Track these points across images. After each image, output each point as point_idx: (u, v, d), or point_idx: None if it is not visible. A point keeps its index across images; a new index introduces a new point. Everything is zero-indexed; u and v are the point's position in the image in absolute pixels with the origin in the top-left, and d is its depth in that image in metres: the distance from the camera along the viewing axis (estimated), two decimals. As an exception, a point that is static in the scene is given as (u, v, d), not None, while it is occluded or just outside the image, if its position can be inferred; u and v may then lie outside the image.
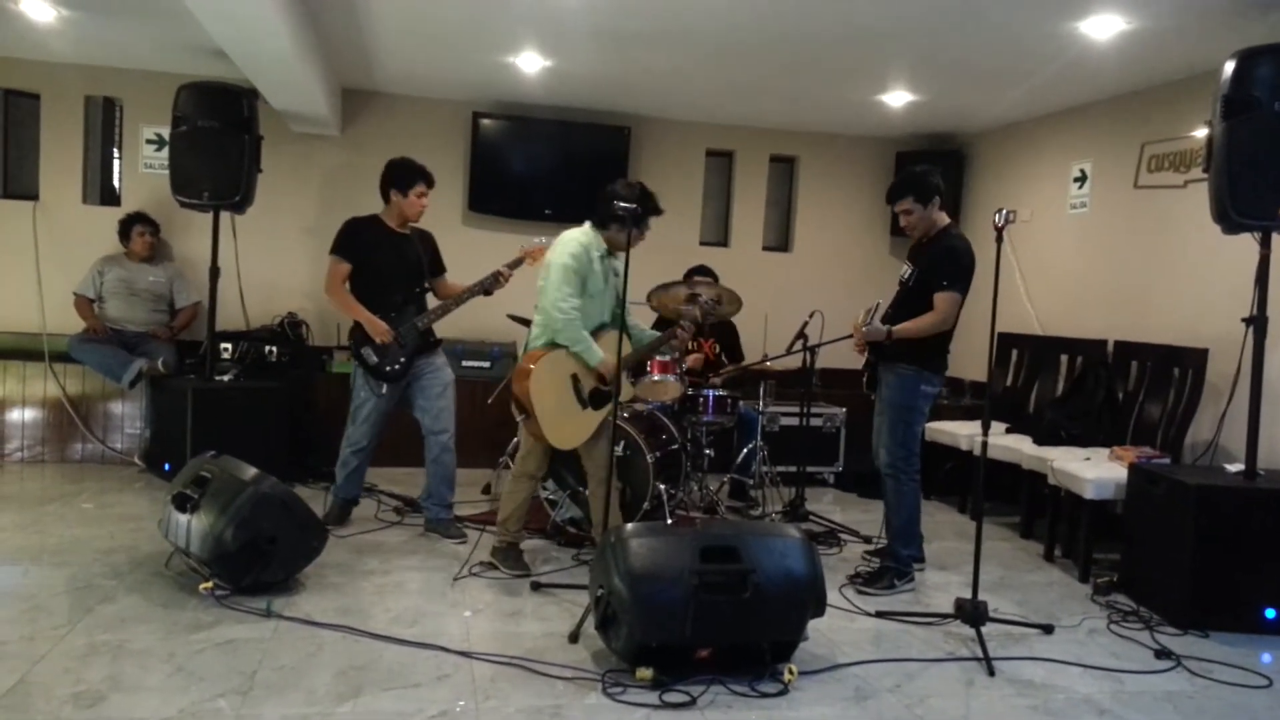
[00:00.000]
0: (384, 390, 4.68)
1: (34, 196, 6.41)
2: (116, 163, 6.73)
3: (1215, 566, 3.86)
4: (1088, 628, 3.88)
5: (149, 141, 6.50)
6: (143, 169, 6.52)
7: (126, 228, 6.18)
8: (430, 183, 4.78)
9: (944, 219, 4.30)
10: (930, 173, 4.31)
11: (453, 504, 4.87)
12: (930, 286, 4.16)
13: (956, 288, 4.12)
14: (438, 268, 4.99)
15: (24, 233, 6.34)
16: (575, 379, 4.14)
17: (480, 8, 4.81)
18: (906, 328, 4.17)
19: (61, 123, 6.42)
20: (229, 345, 5.93)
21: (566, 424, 4.13)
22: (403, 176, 4.72)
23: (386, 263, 4.71)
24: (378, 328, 4.61)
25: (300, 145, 6.58)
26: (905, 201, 4.25)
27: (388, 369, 4.65)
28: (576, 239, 4.12)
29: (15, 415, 6.00)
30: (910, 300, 4.26)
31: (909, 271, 4.36)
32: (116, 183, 6.72)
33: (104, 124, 6.68)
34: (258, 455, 4.13)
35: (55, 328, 6.16)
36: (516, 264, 4.72)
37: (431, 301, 4.88)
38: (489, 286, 4.72)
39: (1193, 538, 3.86)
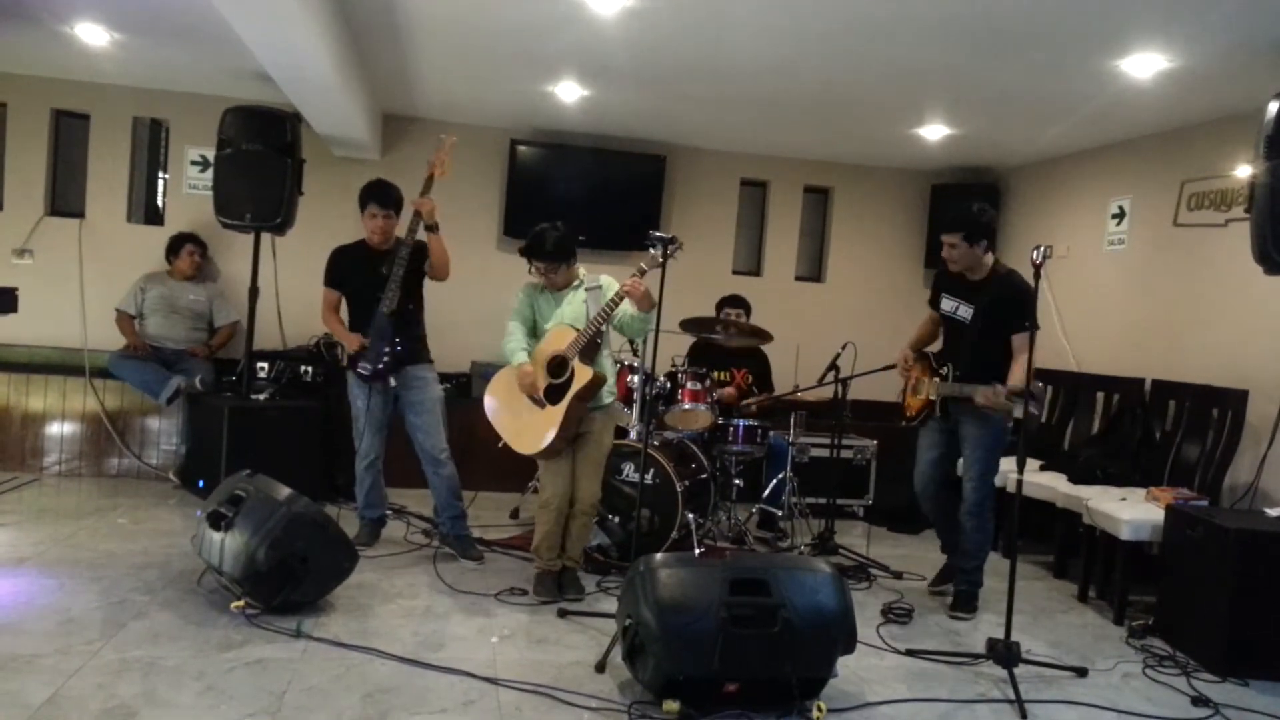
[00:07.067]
0: (378, 388, 4.68)
1: (80, 214, 6.55)
2: (161, 183, 6.87)
3: (1255, 613, 3.78)
4: (1122, 671, 3.81)
5: (194, 163, 6.63)
6: (187, 189, 6.65)
7: (177, 245, 6.31)
8: (381, 203, 4.66)
9: (991, 259, 4.30)
10: (985, 213, 4.30)
11: (465, 513, 4.81)
12: (1007, 327, 4.14)
13: (1035, 326, 3.98)
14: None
15: (69, 250, 6.47)
16: None
17: (523, 40, 4.88)
18: (1017, 383, 3.92)
19: (109, 143, 6.57)
20: (265, 364, 5.99)
21: (524, 429, 4.24)
22: (360, 197, 4.74)
23: (362, 281, 4.71)
24: (349, 339, 4.71)
25: (341, 168, 6.67)
26: (954, 236, 4.26)
27: (373, 368, 4.66)
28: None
29: (54, 429, 6.10)
30: (980, 342, 4.24)
31: (963, 309, 4.32)
32: (161, 202, 6.86)
33: (150, 145, 6.84)
34: (291, 474, 4.18)
35: (96, 343, 6.27)
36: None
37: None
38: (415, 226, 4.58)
39: (1231, 582, 3.79)
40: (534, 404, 4.21)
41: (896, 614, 4.28)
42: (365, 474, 4.85)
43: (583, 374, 4.12)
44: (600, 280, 4.27)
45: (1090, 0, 3.83)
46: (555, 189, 6.95)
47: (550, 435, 4.15)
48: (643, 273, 3.93)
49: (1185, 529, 4.12)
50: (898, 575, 4.93)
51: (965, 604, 4.42)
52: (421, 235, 4.61)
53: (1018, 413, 3.91)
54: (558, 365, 4.17)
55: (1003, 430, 4.31)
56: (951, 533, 4.58)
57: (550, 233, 4.23)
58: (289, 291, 6.11)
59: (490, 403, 4.39)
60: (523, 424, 4.24)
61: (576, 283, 4.32)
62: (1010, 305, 4.14)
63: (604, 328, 4.19)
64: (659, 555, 3.29)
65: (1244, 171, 4.88)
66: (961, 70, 4.86)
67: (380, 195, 4.70)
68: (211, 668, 3.19)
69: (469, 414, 5.11)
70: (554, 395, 4.16)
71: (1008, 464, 5.47)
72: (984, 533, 4.40)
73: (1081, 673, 3.72)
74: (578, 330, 4.16)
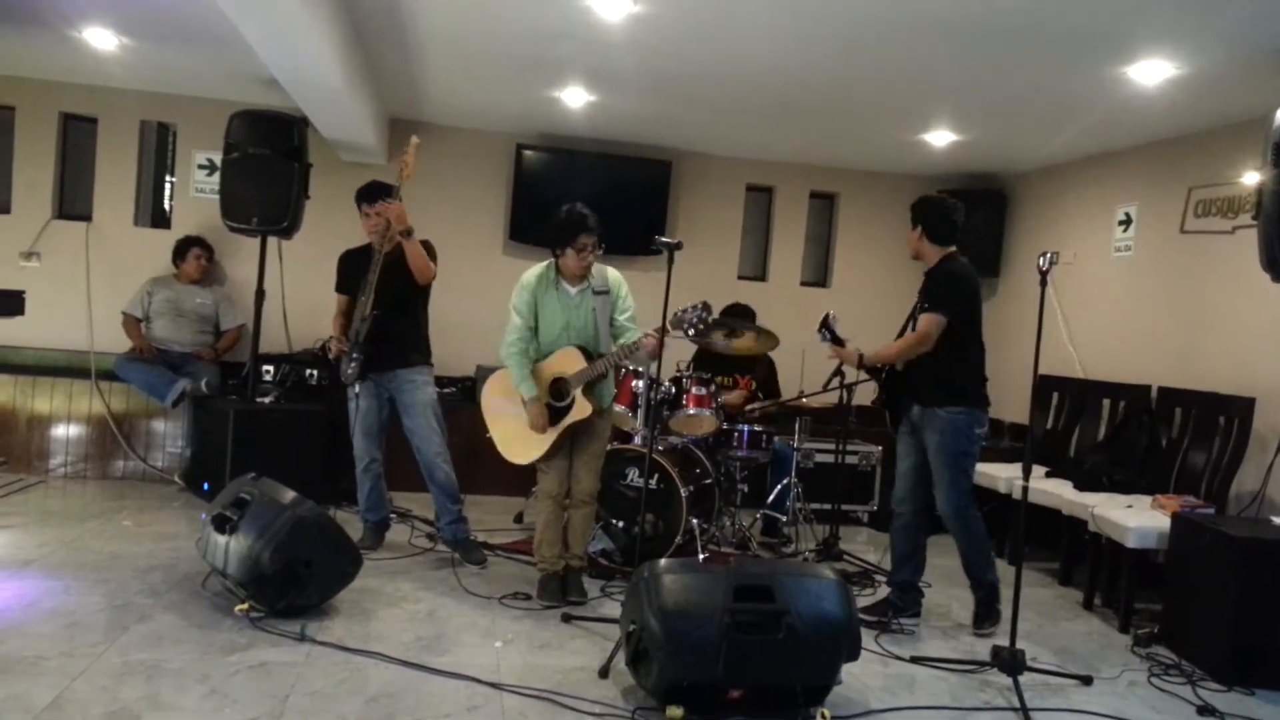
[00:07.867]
0: (357, 390, 4.71)
1: (87, 218, 6.58)
2: (168, 186, 6.90)
3: (1261, 621, 3.77)
4: (1128, 680, 3.79)
5: (200, 167, 6.65)
6: (194, 193, 6.67)
7: (183, 249, 6.33)
8: (370, 200, 4.68)
9: (946, 251, 4.25)
10: (935, 203, 4.33)
11: (465, 517, 4.78)
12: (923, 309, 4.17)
13: (940, 309, 4.09)
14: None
15: (76, 253, 6.50)
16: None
17: (529, 45, 4.89)
18: (884, 353, 4.26)
19: (117, 147, 6.60)
20: (271, 368, 6.00)
21: (515, 439, 4.27)
22: (355, 201, 4.77)
23: (358, 285, 4.73)
24: (334, 343, 4.80)
25: (347, 173, 6.65)
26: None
27: (346, 372, 4.70)
28: (528, 272, 4.30)
29: (60, 431, 6.11)
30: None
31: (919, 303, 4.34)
32: (168, 206, 6.88)
33: (158, 149, 6.87)
34: (296, 477, 4.19)
35: (103, 346, 6.29)
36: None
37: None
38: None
39: (1237, 591, 3.77)
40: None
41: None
42: (363, 477, 4.86)
43: (582, 409, 4.14)
44: (608, 282, 4.25)
45: (1097, 6, 3.83)
46: (561, 194, 6.81)
47: (536, 455, 4.22)
48: (665, 332, 3.94)
49: (1191, 537, 4.11)
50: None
51: (987, 615, 4.26)
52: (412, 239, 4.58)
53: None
54: (560, 389, 4.17)
55: (965, 434, 4.13)
56: (906, 561, 4.34)
57: (581, 207, 4.17)
58: (295, 295, 6.12)
59: (487, 400, 4.43)
60: (513, 434, 4.28)
61: (584, 285, 4.24)
62: (930, 286, 4.18)
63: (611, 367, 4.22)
64: (663, 561, 3.29)
65: (1251, 178, 4.87)
66: (968, 75, 4.85)
67: (368, 194, 4.72)
68: (215, 671, 3.19)
69: (474, 418, 5.09)
70: (550, 417, 4.19)
71: (1013, 470, 5.50)
72: (972, 536, 4.26)
73: (1087, 681, 3.70)
74: (587, 361, 4.13)
